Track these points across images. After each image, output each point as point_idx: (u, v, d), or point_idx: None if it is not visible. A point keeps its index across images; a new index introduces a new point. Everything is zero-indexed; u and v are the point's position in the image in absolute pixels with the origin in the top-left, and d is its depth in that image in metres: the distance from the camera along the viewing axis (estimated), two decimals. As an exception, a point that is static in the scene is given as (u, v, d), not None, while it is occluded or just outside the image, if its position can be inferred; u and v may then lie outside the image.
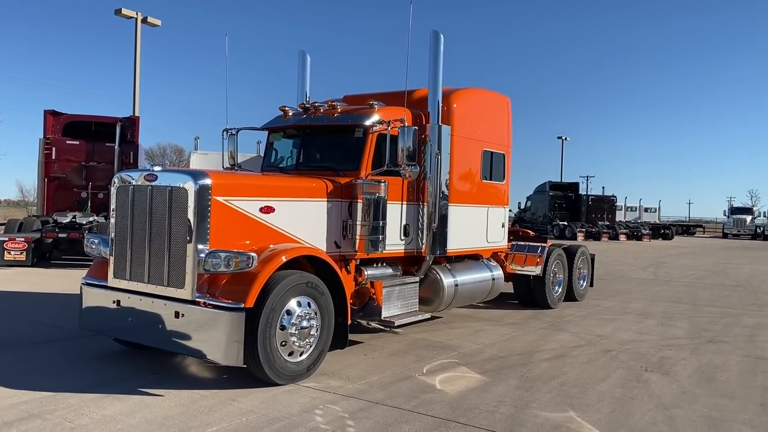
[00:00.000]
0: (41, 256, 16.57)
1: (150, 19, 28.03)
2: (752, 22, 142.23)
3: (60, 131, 19.42)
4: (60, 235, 16.36)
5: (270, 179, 7.73)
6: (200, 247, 6.16)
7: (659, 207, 61.09)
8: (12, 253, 15.67)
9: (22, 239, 15.92)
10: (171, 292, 6.27)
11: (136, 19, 27.74)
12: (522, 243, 11.74)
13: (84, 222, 17.02)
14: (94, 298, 6.97)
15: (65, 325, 8.76)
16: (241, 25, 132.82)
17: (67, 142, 19.31)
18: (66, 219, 17.14)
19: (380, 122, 7.97)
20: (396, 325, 8.14)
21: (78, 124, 19.77)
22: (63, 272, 15.23)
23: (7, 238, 15.86)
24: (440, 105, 8.61)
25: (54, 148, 19.08)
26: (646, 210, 58.78)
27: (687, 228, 62.02)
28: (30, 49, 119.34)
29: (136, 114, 26.29)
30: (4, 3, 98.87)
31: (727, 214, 60.58)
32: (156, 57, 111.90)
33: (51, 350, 7.56)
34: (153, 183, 6.46)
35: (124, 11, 27.34)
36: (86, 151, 19.41)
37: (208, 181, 6.27)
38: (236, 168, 9.15)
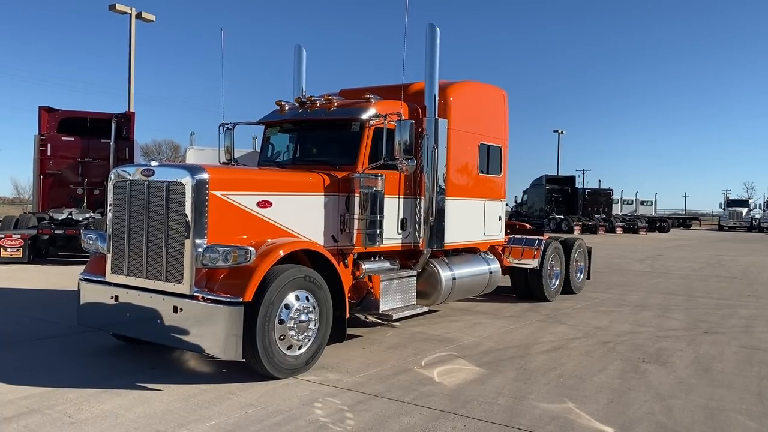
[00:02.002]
0: (38, 252, 16.57)
1: (144, 15, 27.93)
2: (747, 22, 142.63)
3: (55, 128, 19.36)
4: (56, 232, 16.35)
5: (267, 174, 7.73)
6: (198, 241, 6.16)
7: (655, 200, 61.20)
8: (8, 250, 15.64)
9: (18, 236, 15.89)
10: (169, 287, 6.27)
11: (131, 14, 27.64)
12: (519, 236, 11.77)
13: (80, 218, 17.00)
14: (92, 293, 6.97)
15: (63, 322, 8.75)
16: (238, 21, 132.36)
17: (63, 138, 19.26)
18: (62, 215, 17.12)
19: (377, 116, 7.97)
20: (394, 318, 8.15)
21: (73, 120, 19.72)
22: (60, 269, 15.20)
23: (3, 235, 15.82)
24: (437, 98, 8.61)
25: (49, 145, 19.02)
26: (642, 203, 58.86)
27: (683, 221, 62.20)
28: (24, 45, 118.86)
29: (131, 110, 26.23)
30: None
31: (723, 206, 60.70)
32: (151, 53, 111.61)
33: (49, 346, 7.56)
34: (150, 178, 6.46)
35: (118, 6, 27.24)
36: (81, 148, 19.35)
37: (205, 176, 6.27)
38: (233, 163, 9.14)
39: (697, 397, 6.12)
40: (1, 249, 15.61)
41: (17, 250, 15.71)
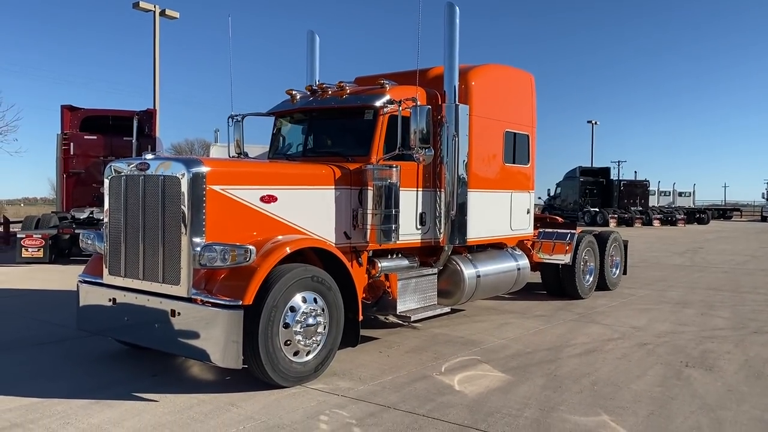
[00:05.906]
0: (60, 252, 16.41)
1: (168, 12, 27.73)
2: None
3: (78, 126, 19.20)
4: (77, 231, 16.12)
5: (271, 166, 7.24)
6: (195, 240, 5.70)
7: (694, 191, 59.39)
8: (29, 250, 15.51)
9: (39, 236, 15.75)
10: (166, 289, 5.84)
11: (154, 12, 27.48)
12: (550, 230, 11.09)
13: (101, 217, 16.76)
14: (91, 296, 6.60)
15: (71, 324, 8.36)
16: (266, 19, 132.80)
17: (85, 137, 19.07)
18: (83, 215, 16.96)
19: (391, 102, 7.40)
20: (412, 320, 7.60)
21: (95, 118, 19.52)
22: (80, 269, 14.95)
23: (24, 235, 15.70)
24: (457, 82, 8.01)
25: (72, 144, 18.85)
26: (680, 194, 57.15)
27: (723, 212, 60.24)
28: (52, 46, 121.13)
29: (156, 107, 26.10)
30: (23, 1, 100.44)
31: (765, 196, 58.52)
32: (183, 53, 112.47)
33: (52, 351, 7.22)
34: (145, 172, 6.02)
35: (142, 4, 27.03)
36: (104, 146, 19.15)
37: (202, 169, 5.80)
38: (242, 156, 8.68)
39: (751, 408, 5.44)
40: (22, 249, 15.48)
41: (38, 250, 15.56)
